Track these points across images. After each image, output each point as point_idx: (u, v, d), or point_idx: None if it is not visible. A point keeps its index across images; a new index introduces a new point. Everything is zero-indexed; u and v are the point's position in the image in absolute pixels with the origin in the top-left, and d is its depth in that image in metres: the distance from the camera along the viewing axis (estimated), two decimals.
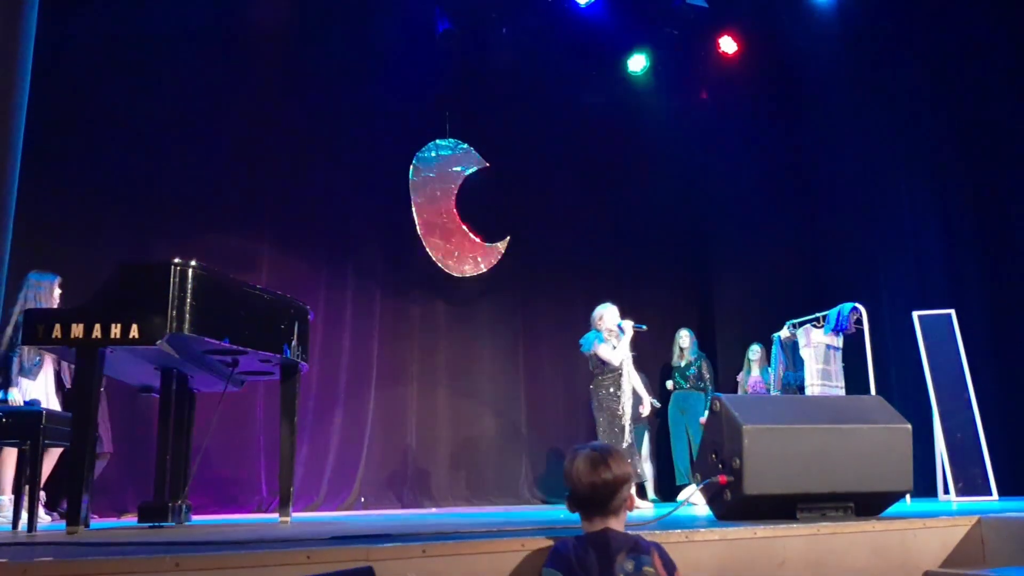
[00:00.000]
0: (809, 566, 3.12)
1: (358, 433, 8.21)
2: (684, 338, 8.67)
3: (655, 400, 7.89)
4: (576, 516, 2.46)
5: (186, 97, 7.65)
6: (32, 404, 5.44)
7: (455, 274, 9.07)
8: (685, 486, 7.74)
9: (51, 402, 5.60)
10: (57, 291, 5.49)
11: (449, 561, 2.53)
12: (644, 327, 6.71)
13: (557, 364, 9.22)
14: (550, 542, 2.65)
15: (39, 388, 5.57)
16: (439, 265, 8.97)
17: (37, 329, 3.83)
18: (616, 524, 2.32)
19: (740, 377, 8.81)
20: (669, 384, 8.70)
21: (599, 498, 2.29)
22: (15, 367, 5.44)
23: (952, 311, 7.25)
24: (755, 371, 8.63)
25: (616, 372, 6.46)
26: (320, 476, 7.91)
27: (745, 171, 9.86)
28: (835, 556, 3.18)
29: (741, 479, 3.47)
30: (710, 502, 3.80)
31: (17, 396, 5.40)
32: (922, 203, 8.51)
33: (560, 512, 6.03)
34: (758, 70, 9.70)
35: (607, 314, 6.67)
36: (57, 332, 3.80)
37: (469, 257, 9.18)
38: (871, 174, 8.99)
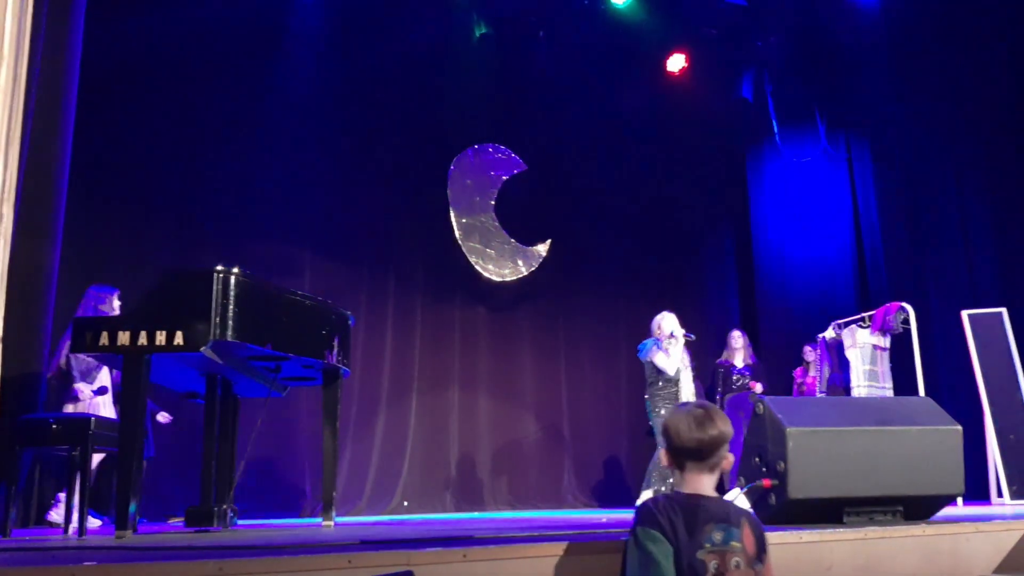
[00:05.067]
0: (857, 571, 3.06)
1: (400, 438, 8.25)
2: (737, 339, 8.52)
3: None
4: (615, 521, 2.45)
5: (228, 107, 7.75)
6: (101, 391, 5.57)
7: (495, 278, 9.07)
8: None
9: (107, 408, 5.70)
10: (116, 303, 5.60)
11: (490, 565, 2.52)
12: (694, 336, 6.66)
13: (598, 367, 9.18)
14: (591, 546, 2.63)
15: (103, 381, 5.70)
16: (478, 269, 8.98)
17: (85, 337, 3.91)
18: (711, 480, 2.34)
19: (798, 374, 8.71)
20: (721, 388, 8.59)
21: (702, 453, 2.30)
22: (75, 372, 5.57)
23: (1003, 310, 7.09)
24: (811, 371, 8.49)
25: (672, 384, 6.39)
26: (363, 480, 7.95)
27: (788, 169, 9.74)
28: (883, 561, 3.11)
29: (786, 483, 3.42)
30: (755, 506, 3.75)
31: (85, 389, 5.52)
32: (971, 198, 8.34)
33: (603, 516, 6.00)
34: (798, 66, 9.57)
35: (664, 322, 6.61)
36: (104, 340, 3.87)
37: (509, 261, 9.18)
38: (918, 170, 8.82)
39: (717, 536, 2.20)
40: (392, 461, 8.15)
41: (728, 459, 2.34)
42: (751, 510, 3.81)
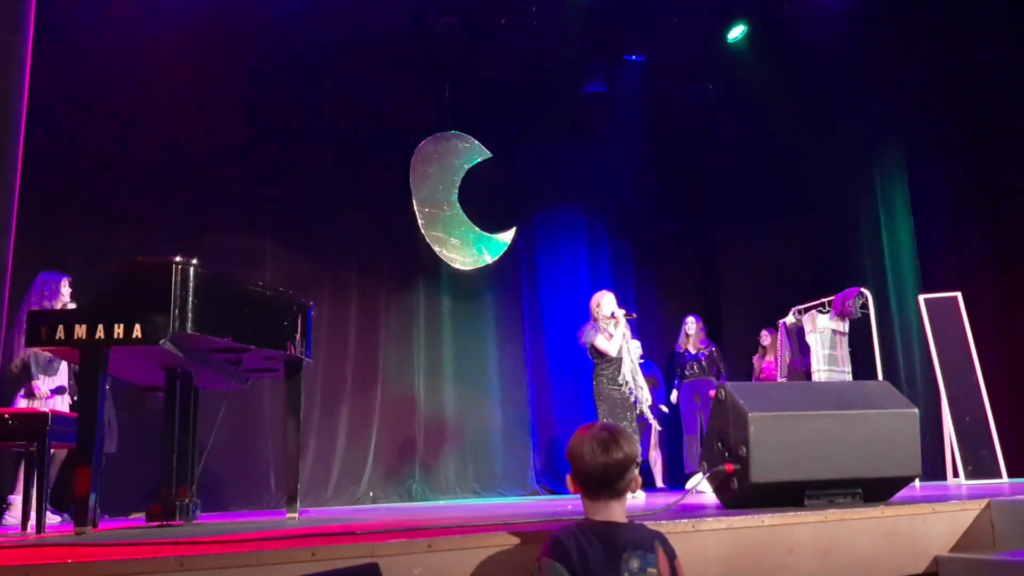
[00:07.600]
0: (817, 553, 3.11)
1: (365, 428, 8.22)
2: (691, 325, 8.64)
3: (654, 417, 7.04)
4: (580, 507, 2.43)
5: (187, 95, 7.63)
6: (59, 390, 5.48)
7: (458, 267, 9.05)
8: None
9: (64, 407, 5.61)
10: (67, 290, 5.50)
11: (455, 555, 2.52)
12: (634, 315, 6.66)
13: (562, 354, 9.21)
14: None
15: (62, 379, 5.60)
16: (442, 258, 8.95)
17: (40, 330, 3.82)
18: (620, 505, 2.29)
19: (756, 360, 8.82)
20: (678, 371, 8.69)
21: (609, 479, 2.24)
22: (33, 366, 5.47)
23: (958, 293, 7.21)
24: (769, 356, 8.61)
25: (616, 360, 6.42)
26: (328, 471, 7.92)
27: (749, 156, 9.82)
28: (844, 542, 3.16)
29: (747, 467, 3.45)
30: (717, 490, 3.79)
31: (43, 387, 5.43)
32: (927, 184, 8.44)
33: (567, 504, 6.03)
34: (761, 55, 9.63)
35: (604, 301, 6.61)
36: (60, 333, 3.79)
37: (472, 249, 9.16)
38: (875, 156, 8.93)
39: (634, 564, 2.17)
40: (357, 451, 8.12)
41: (637, 480, 2.30)
42: (716, 497, 3.85)
